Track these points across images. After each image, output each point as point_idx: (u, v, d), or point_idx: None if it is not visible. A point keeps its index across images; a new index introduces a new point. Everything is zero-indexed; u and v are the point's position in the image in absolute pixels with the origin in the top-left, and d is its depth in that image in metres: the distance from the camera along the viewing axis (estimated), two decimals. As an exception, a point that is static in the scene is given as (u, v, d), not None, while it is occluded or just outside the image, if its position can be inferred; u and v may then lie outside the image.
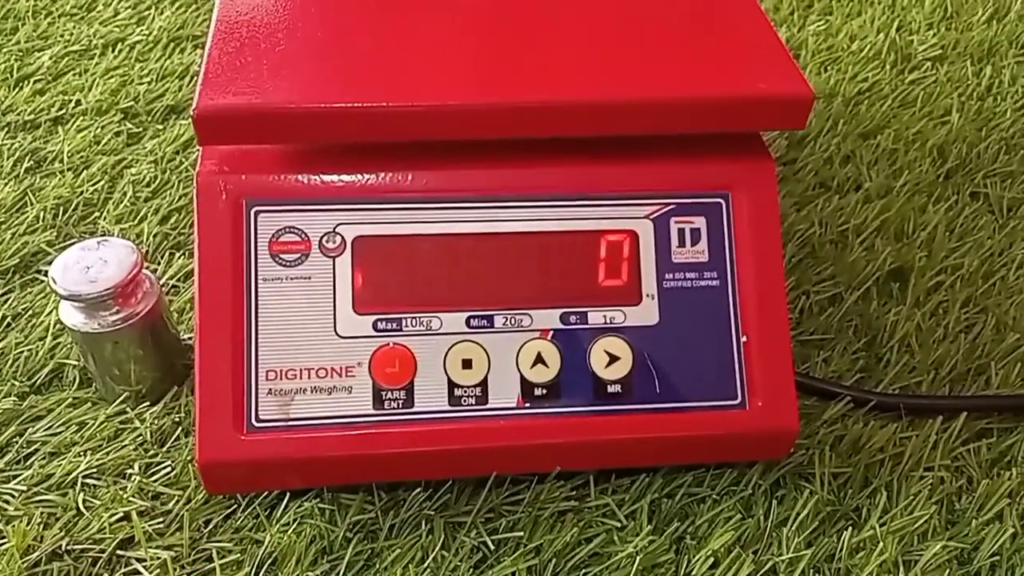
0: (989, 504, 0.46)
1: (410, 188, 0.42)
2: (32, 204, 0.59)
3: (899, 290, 0.57)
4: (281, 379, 0.41)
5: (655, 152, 0.44)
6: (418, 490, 0.44)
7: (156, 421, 0.47)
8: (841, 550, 0.43)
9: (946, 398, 0.51)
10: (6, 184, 0.60)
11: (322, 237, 0.42)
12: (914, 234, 0.60)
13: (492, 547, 0.43)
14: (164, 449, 0.46)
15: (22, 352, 0.50)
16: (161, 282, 0.54)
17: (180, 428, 0.47)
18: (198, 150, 0.62)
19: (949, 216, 0.62)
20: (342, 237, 0.42)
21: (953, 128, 0.68)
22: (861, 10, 0.81)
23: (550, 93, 0.41)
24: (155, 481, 0.45)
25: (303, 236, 0.42)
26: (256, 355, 0.41)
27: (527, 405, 0.42)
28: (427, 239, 0.42)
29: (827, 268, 0.57)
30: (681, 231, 0.44)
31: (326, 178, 0.42)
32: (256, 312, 0.41)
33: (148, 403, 0.48)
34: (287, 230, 0.42)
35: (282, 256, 0.42)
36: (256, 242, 0.41)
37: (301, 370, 0.41)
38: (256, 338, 0.41)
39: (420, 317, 0.42)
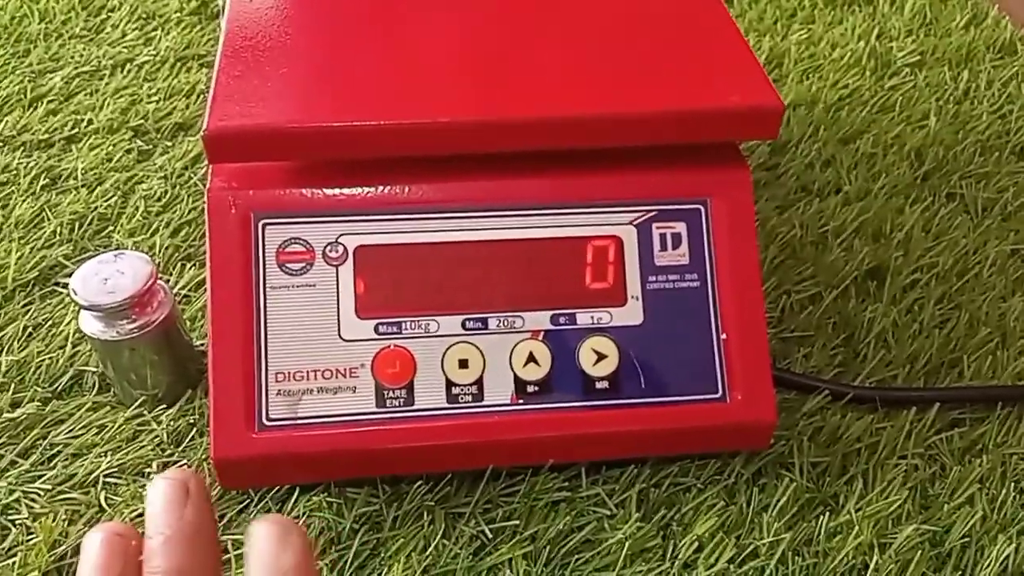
0: (960, 489, 0.48)
1: (407, 200, 0.45)
2: (49, 220, 0.62)
3: (876, 288, 0.59)
4: (289, 380, 0.44)
5: (638, 163, 0.46)
6: (419, 483, 0.47)
7: (172, 423, 0.50)
8: (819, 534, 0.46)
9: (920, 390, 0.53)
10: (24, 200, 0.63)
11: (325, 247, 0.45)
12: (891, 234, 0.63)
13: (490, 535, 0.45)
14: (180, 449, 0.49)
15: (44, 360, 0.53)
16: (174, 292, 0.56)
17: (195, 429, 0.50)
18: (207, 167, 0.65)
19: (925, 217, 0.64)
20: (344, 247, 0.45)
21: (931, 132, 0.71)
22: (843, 18, 0.84)
23: (538, 109, 0.44)
24: (172, 479, 0.48)
25: (308, 246, 0.45)
26: (266, 358, 0.44)
27: (520, 401, 0.45)
28: (424, 247, 0.45)
29: (807, 268, 0.60)
30: (663, 236, 0.47)
31: (328, 192, 0.45)
32: (265, 318, 0.44)
33: (164, 406, 0.51)
34: (293, 241, 0.45)
35: (288, 265, 0.44)
36: (264, 253, 0.44)
37: (308, 372, 0.44)
38: (265, 342, 0.44)
39: (419, 320, 0.45)
